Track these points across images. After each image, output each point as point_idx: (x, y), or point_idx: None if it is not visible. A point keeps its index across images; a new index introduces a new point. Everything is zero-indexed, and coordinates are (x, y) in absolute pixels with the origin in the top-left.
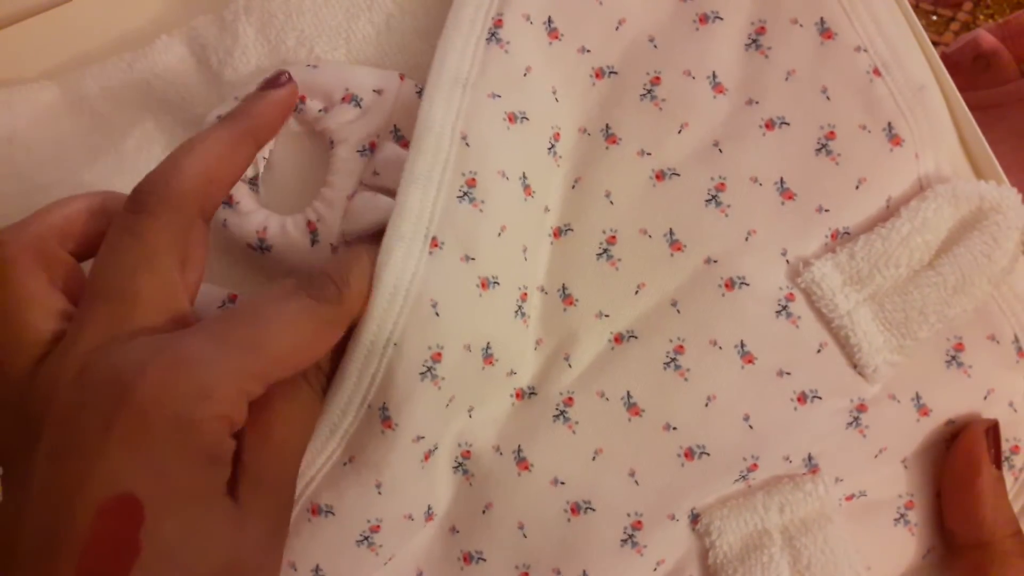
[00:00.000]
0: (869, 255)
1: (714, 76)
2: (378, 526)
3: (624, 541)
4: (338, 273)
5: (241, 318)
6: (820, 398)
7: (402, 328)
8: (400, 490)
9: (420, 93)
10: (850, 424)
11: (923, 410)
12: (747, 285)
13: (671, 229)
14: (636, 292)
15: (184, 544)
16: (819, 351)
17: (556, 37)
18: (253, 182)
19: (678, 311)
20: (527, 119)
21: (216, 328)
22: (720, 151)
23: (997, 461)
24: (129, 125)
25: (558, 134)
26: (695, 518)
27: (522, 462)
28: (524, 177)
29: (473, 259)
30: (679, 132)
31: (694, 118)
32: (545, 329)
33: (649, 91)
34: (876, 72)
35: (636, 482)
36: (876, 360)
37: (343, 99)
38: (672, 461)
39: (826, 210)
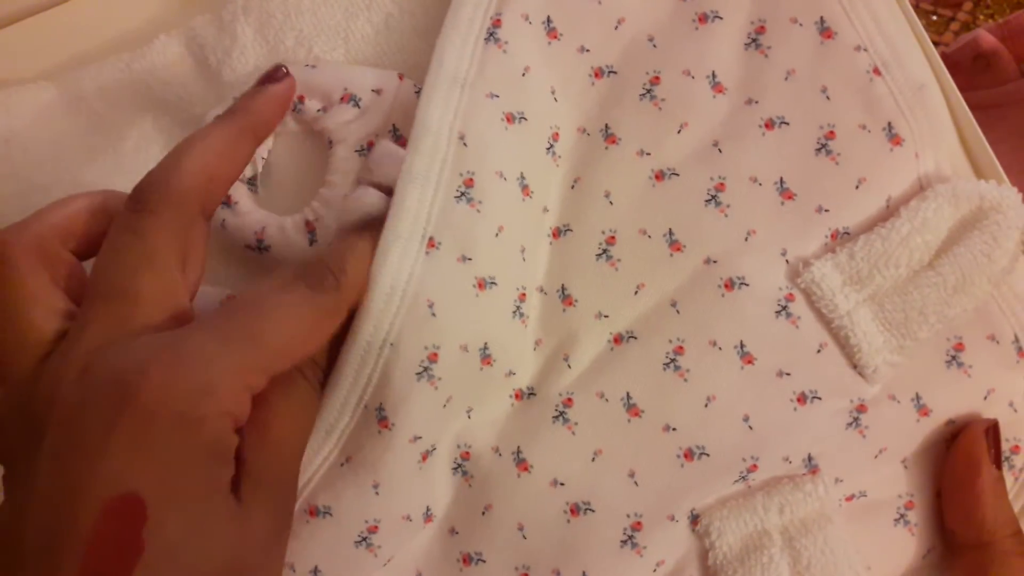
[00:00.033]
0: (869, 255)
1: (713, 76)
2: (376, 527)
3: (624, 542)
4: (335, 262)
5: (240, 312)
6: (820, 398)
7: (398, 328)
8: (398, 490)
9: (419, 93)
10: (850, 424)
11: (923, 410)
12: (747, 285)
13: (670, 229)
14: (635, 292)
15: (187, 543)
16: (819, 351)
17: (555, 37)
18: (252, 182)
19: (678, 311)
20: (525, 119)
21: (216, 323)
22: (720, 151)
23: (997, 461)
24: (127, 125)
25: (557, 134)
26: (695, 519)
27: (522, 463)
28: (522, 177)
29: (470, 259)
30: (678, 132)
31: (693, 118)
32: (544, 330)
33: (648, 91)
34: (876, 71)
35: (636, 483)
36: (876, 360)
37: (342, 99)
38: (672, 462)
39: (826, 210)
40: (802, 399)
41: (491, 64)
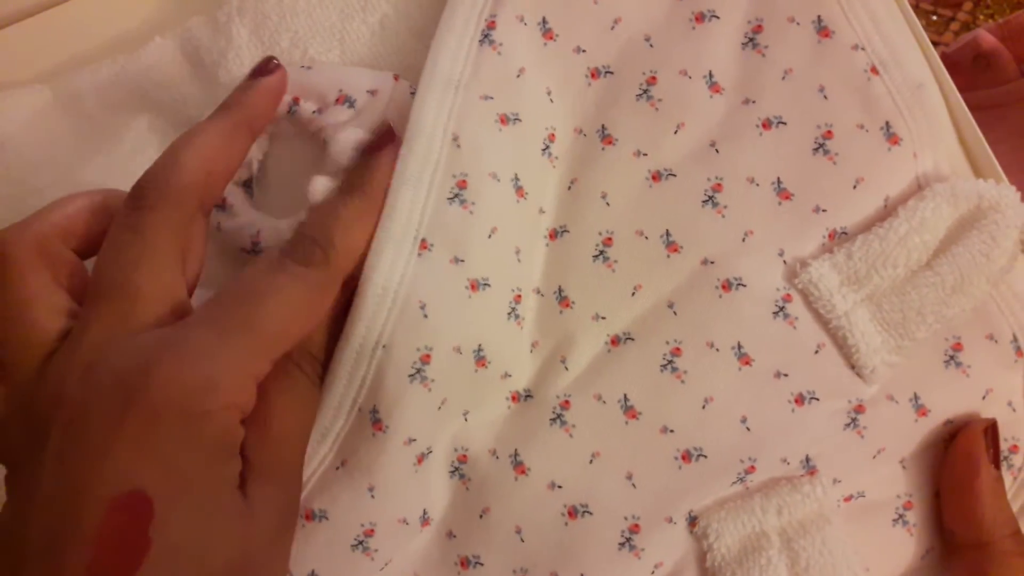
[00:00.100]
0: (867, 255)
1: (710, 75)
2: (372, 530)
3: (622, 544)
4: (320, 234)
5: (235, 301)
6: (818, 399)
7: (391, 330)
8: (393, 493)
9: (415, 94)
10: (848, 425)
11: (921, 410)
12: (744, 286)
13: (667, 230)
14: (633, 294)
15: (194, 539)
16: (817, 352)
17: (551, 37)
18: (247, 184)
19: (675, 313)
20: (520, 120)
21: (214, 315)
22: (717, 151)
23: (996, 461)
24: (123, 127)
25: (553, 135)
26: (693, 521)
27: (519, 466)
28: (516, 179)
29: (463, 261)
30: (675, 132)
31: (690, 118)
32: (541, 331)
33: (645, 91)
34: (874, 70)
35: (633, 485)
36: (874, 361)
37: (337, 100)
38: (669, 464)
39: (823, 210)
40: (800, 400)
41: (485, 66)
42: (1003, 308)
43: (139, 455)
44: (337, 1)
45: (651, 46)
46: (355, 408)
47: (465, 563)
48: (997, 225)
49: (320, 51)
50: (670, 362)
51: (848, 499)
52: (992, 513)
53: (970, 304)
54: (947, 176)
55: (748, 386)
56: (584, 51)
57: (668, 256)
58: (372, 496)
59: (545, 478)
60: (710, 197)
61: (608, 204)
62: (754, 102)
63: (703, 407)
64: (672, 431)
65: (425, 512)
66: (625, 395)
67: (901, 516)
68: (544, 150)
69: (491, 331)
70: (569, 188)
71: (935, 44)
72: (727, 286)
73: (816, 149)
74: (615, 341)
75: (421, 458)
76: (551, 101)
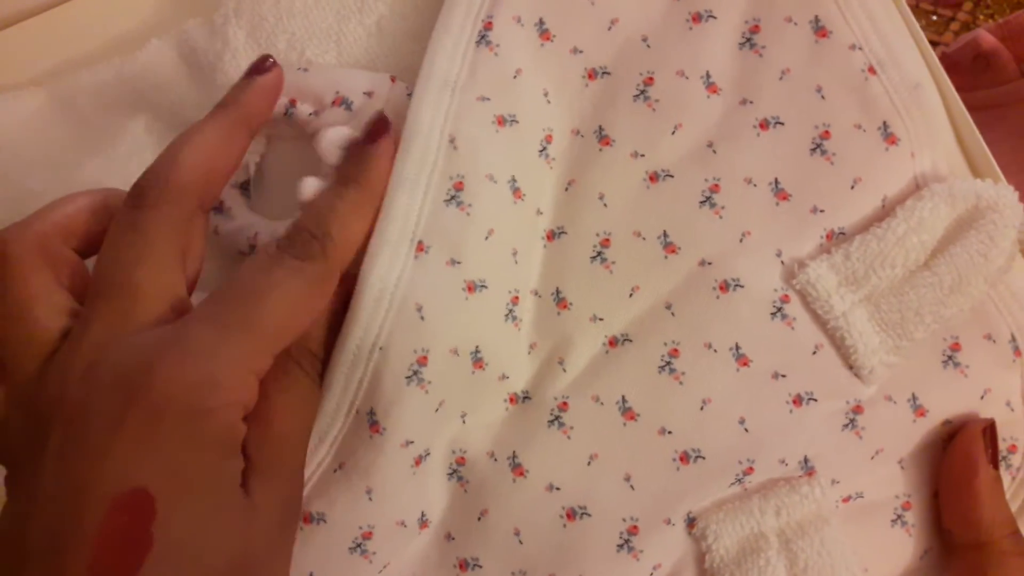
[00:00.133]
0: (865, 256)
1: (708, 76)
2: (370, 533)
3: (620, 546)
4: (316, 226)
5: (234, 297)
6: (816, 400)
7: (388, 332)
8: (391, 496)
9: (411, 96)
10: (846, 426)
11: (920, 411)
12: (742, 287)
13: (665, 231)
14: (630, 295)
15: (196, 537)
16: (815, 353)
17: (548, 38)
18: (244, 187)
19: (672, 314)
20: (517, 121)
21: (213, 313)
22: (714, 152)
23: (994, 461)
24: (119, 129)
25: (550, 136)
26: (691, 522)
27: (517, 468)
28: (513, 180)
29: (459, 263)
30: (673, 133)
31: (688, 119)
32: (539, 333)
33: (642, 91)
34: (871, 70)
35: (632, 487)
36: (872, 361)
37: (334, 102)
38: (667, 465)
39: (821, 210)
40: (798, 401)
41: (482, 67)
42: (1001, 308)
43: (141, 453)
44: (333, 3)
45: (648, 46)
46: (352, 410)
47: (464, 565)
48: (995, 225)
49: (316, 53)
50: (668, 363)
51: (846, 500)
52: (991, 513)
53: (968, 304)
54: (945, 176)
55: (746, 387)
56: (581, 52)
57: (666, 257)
58: (370, 498)
59: (543, 480)
60: (708, 198)
61: (606, 205)
62: (751, 102)
63: (701, 408)
64: (670, 432)
65: (423, 514)
66: (623, 396)
67: (899, 516)
68: (541, 151)
69: (488, 333)
70: (566, 189)
71: (935, 44)
72: (725, 287)
73: (814, 149)
74: (613, 342)
75: (419, 460)
76: (548, 102)
